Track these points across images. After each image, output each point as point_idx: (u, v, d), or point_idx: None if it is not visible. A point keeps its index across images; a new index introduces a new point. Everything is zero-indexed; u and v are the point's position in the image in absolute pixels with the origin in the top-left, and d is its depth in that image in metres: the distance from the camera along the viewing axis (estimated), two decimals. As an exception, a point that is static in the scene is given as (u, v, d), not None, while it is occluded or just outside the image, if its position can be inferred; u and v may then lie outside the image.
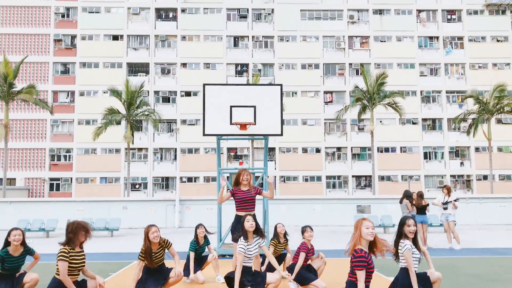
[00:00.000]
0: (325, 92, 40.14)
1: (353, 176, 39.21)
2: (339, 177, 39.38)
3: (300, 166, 38.74)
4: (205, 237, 8.48)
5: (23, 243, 6.70)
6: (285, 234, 8.17)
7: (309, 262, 7.49)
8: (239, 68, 40.41)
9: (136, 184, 38.70)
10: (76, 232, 5.68)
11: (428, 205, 13.27)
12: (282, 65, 40.11)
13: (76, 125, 39.20)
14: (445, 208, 13.10)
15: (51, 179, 39.05)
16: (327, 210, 23.59)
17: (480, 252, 12.33)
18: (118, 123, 32.56)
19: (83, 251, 5.87)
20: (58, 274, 5.61)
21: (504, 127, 38.92)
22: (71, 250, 5.63)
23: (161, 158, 39.49)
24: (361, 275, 4.75)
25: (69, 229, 5.74)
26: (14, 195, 33.47)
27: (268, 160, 38.41)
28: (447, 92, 40.16)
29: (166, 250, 6.72)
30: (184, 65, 40.09)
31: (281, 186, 38.52)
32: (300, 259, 7.12)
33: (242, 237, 6.21)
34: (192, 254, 8.17)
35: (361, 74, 31.82)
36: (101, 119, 31.42)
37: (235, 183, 7.88)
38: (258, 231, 6.40)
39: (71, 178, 38.90)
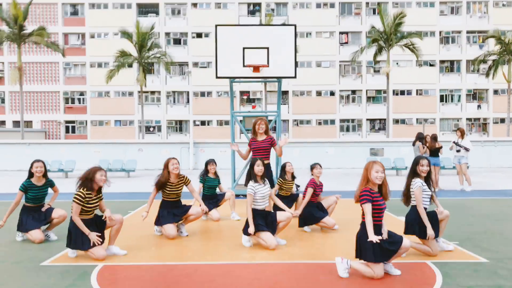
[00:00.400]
0: (341, 33, 39.00)
1: (367, 119, 38.97)
2: (353, 120, 39.19)
3: (313, 110, 38.52)
4: (216, 174, 8.64)
5: (45, 175, 7.11)
6: (293, 174, 8.23)
7: (319, 200, 7.63)
8: (251, 7, 39.20)
9: (150, 127, 39.10)
10: (93, 177, 5.82)
11: (441, 147, 13.23)
12: (296, 4, 38.77)
13: (88, 68, 39.10)
14: (458, 151, 13.06)
15: (67, 122, 39.62)
16: (340, 153, 23.68)
17: (491, 194, 12.42)
18: (130, 65, 32.33)
19: (100, 195, 6.02)
20: None
21: (525, 69, 37.71)
22: (88, 194, 5.79)
23: (174, 101, 39.53)
24: (366, 208, 4.83)
25: (86, 172, 5.87)
26: (32, 137, 34.18)
27: (282, 103, 38.22)
28: (467, 32, 38.70)
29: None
30: (195, 5, 39.01)
31: (294, 130, 38.56)
32: (307, 195, 7.27)
33: (251, 180, 6.33)
34: (200, 185, 8.41)
35: (378, 13, 30.65)
36: (113, 61, 31.20)
37: (253, 132, 8.28)
38: (267, 178, 6.56)
39: (86, 121, 39.40)
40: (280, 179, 8.07)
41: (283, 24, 15.09)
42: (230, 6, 38.83)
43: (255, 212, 6.29)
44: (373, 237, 4.72)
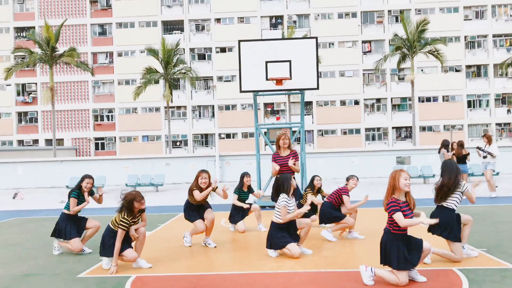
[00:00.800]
0: (363, 42, 38.96)
1: (393, 127, 38.59)
2: (378, 129, 38.87)
3: (338, 119, 38.43)
4: (249, 187, 8.84)
5: (91, 190, 7.56)
6: (320, 187, 8.41)
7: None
8: (273, 20, 39.67)
9: (176, 141, 39.78)
10: (132, 204, 6.08)
11: (468, 154, 13.09)
12: (318, 15, 39.01)
13: (116, 85, 40.23)
14: (485, 157, 12.89)
15: (96, 139, 40.73)
16: (365, 162, 23.55)
17: (523, 201, 12.17)
18: (157, 82, 33.12)
19: (139, 215, 6.33)
20: (114, 226, 6.13)
21: (556, 71, 36.74)
22: (132, 219, 6.14)
23: (200, 115, 40.16)
24: (398, 217, 4.86)
25: (125, 202, 6.12)
26: (63, 155, 35.30)
27: (305, 114, 38.30)
28: (494, 36, 38.03)
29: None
30: (218, 20, 39.76)
31: (319, 140, 38.52)
32: (346, 202, 7.42)
33: (284, 192, 6.48)
34: (235, 196, 8.66)
35: (400, 21, 30.55)
36: (140, 78, 32.07)
37: (277, 147, 8.36)
38: (296, 192, 6.87)
39: (115, 137, 40.41)
40: (309, 189, 8.26)
41: (304, 37, 15.30)
42: (252, 20, 39.39)
43: (279, 225, 6.43)
44: (428, 220, 4.93)
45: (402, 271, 4.91)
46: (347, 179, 7.71)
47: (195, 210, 7.44)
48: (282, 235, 6.38)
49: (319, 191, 8.51)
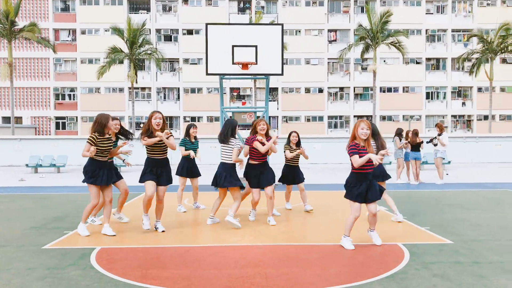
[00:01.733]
0: (329, 31, 39.59)
1: (355, 116, 39.65)
2: (341, 117, 39.83)
3: (302, 106, 39.08)
4: (195, 137, 9.03)
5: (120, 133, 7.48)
6: (298, 143, 8.60)
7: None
8: (241, 5, 39.60)
9: (140, 123, 39.37)
10: (104, 123, 6.50)
11: (422, 142, 13.84)
12: (286, 1, 39.25)
13: (79, 64, 39.21)
14: (435, 145, 13.68)
15: (57, 118, 39.71)
16: (327, 149, 24.23)
17: (467, 186, 13.06)
18: (121, 62, 32.54)
19: (110, 138, 6.69)
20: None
21: (508, 67, 38.70)
22: (99, 137, 6.49)
23: (165, 98, 39.83)
24: (354, 158, 5.61)
25: (98, 120, 6.53)
26: (22, 133, 34.28)
27: (271, 100, 38.71)
28: (453, 30, 39.54)
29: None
30: (185, 1, 39.32)
31: (283, 126, 39.10)
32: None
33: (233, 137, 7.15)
34: (182, 148, 8.79)
35: (366, 11, 31.26)
36: (104, 57, 31.41)
37: (253, 132, 7.73)
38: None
39: (76, 117, 39.54)
40: (286, 146, 8.57)
41: (271, 24, 15.55)
42: (220, 3, 39.19)
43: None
44: (374, 157, 5.49)
45: (354, 202, 5.76)
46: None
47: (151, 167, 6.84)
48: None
49: (298, 146, 8.69)
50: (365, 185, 5.74)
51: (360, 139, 5.70)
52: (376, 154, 6.02)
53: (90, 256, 5.56)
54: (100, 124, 6.52)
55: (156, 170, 6.80)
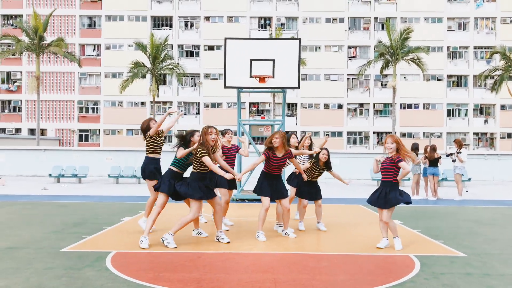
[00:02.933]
0: (349, 47, 39.72)
1: (374, 132, 39.42)
2: (360, 133, 39.65)
3: (321, 122, 39.09)
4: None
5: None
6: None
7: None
8: (262, 21, 40.17)
9: (161, 137, 39.94)
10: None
11: (440, 157, 13.72)
12: (306, 18, 39.65)
13: (102, 78, 40.24)
14: (454, 161, 13.55)
15: (80, 130, 40.66)
16: (345, 164, 24.13)
17: (485, 203, 12.86)
18: (143, 76, 33.29)
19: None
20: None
21: (532, 85, 37.99)
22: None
23: (185, 112, 40.42)
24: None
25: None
26: (46, 145, 35.16)
27: (290, 115, 38.88)
28: (475, 47, 39.19)
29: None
30: (207, 18, 40.10)
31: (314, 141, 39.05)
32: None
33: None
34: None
35: (386, 28, 31.33)
36: (127, 72, 32.20)
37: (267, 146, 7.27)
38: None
39: (99, 130, 40.40)
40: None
41: (289, 38, 15.79)
42: (241, 20, 39.84)
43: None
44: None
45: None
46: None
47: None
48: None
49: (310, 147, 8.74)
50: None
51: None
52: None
53: (106, 259, 5.74)
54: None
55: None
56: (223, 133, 8.37)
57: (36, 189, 16.57)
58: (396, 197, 6.31)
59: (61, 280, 4.84)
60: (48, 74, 40.16)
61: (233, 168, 7.90)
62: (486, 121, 39.11)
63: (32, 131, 39.24)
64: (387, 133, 38.77)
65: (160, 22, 40.59)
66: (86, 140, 40.71)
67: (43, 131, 39.76)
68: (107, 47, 40.29)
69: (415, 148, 13.72)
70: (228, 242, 6.68)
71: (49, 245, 6.58)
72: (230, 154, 8.26)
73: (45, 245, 6.58)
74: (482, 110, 39.51)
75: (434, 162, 13.67)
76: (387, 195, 6.27)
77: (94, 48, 40.72)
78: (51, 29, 39.07)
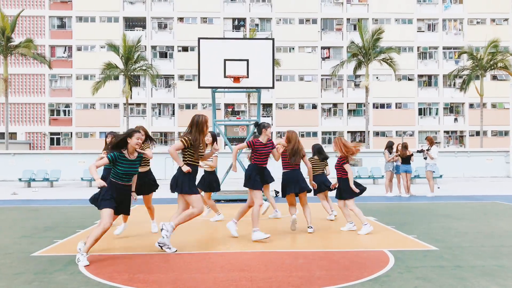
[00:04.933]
0: (322, 48, 40.13)
1: (348, 131, 39.92)
2: (334, 132, 40.09)
3: (296, 122, 39.30)
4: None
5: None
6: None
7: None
8: (236, 22, 40.15)
9: (135, 139, 39.40)
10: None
11: (412, 155, 13.99)
12: (280, 19, 39.84)
13: (74, 80, 39.42)
14: (425, 158, 13.85)
15: (52, 134, 39.71)
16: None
17: (458, 199, 13.19)
18: (116, 78, 32.80)
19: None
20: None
21: (499, 84, 39.27)
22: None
23: (160, 113, 40.01)
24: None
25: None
26: (16, 149, 34.18)
27: (265, 116, 38.98)
28: (444, 48, 40.20)
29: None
30: (181, 19, 39.81)
31: (277, 141, 39.20)
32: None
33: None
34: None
35: (358, 29, 31.80)
36: (99, 74, 31.65)
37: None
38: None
39: (71, 133, 39.56)
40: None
41: (262, 38, 15.85)
42: (215, 21, 39.72)
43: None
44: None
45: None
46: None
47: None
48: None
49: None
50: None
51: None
52: None
53: (78, 263, 5.60)
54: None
55: None
56: (264, 126, 7.31)
57: (5, 194, 16.09)
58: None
59: (32, 285, 4.70)
60: (17, 76, 39.07)
61: (261, 165, 7.18)
62: (456, 119, 40.17)
63: (0, 135, 38.09)
64: (361, 132, 39.37)
65: (133, 23, 40.07)
66: (58, 143, 39.79)
67: (13, 135, 38.64)
68: (79, 49, 39.50)
69: (389, 146, 13.96)
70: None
71: (18, 250, 6.38)
72: (265, 152, 7.30)
73: (14, 250, 6.38)
74: (452, 108, 40.55)
75: (406, 159, 13.93)
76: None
77: (65, 50, 39.85)
78: (20, 30, 38.05)
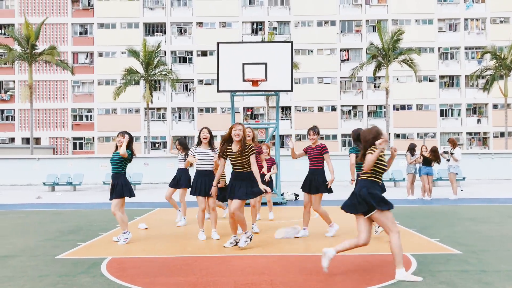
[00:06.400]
0: (341, 50, 39.87)
1: (368, 134, 39.46)
2: (354, 135, 39.67)
3: (315, 125, 39.04)
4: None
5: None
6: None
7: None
8: (254, 26, 40.26)
9: (155, 143, 39.86)
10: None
11: (438, 160, 13.70)
12: (298, 22, 39.79)
13: (96, 86, 40.12)
14: (448, 160, 13.59)
15: (74, 138, 40.46)
16: (341, 166, 24.16)
17: (482, 201, 12.91)
18: (137, 83, 33.20)
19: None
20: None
21: (524, 83, 38.28)
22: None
23: (179, 118, 40.36)
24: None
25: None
26: (40, 154, 34.94)
27: (284, 119, 38.92)
28: (465, 48, 39.46)
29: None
30: (200, 24, 40.14)
31: (297, 144, 39.12)
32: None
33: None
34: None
35: (377, 30, 31.51)
36: (120, 79, 32.14)
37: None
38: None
39: (93, 137, 40.24)
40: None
41: (280, 41, 15.85)
42: (234, 25, 39.90)
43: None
44: None
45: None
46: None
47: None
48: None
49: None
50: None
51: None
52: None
53: (101, 265, 5.69)
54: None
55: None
56: (315, 131, 7.60)
57: (30, 198, 16.46)
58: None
59: (56, 287, 4.79)
60: (41, 83, 39.99)
61: (318, 170, 7.37)
62: (479, 120, 39.34)
63: (25, 140, 39.00)
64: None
65: (153, 28, 40.58)
66: (81, 148, 40.50)
67: (37, 140, 39.52)
68: (100, 55, 40.20)
69: (411, 148, 13.75)
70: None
71: (43, 253, 6.52)
72: (315, 154, 7.52)
73: (39, 253, 6.52)
74: (475, 109, 39.74)
75: (428, 161, 13.69)
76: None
77: (87, 56, 40.61)
78: (43, 37, 38.93)
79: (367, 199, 4.82)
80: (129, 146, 7.30)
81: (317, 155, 7.39)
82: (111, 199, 7.24)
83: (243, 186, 6.37)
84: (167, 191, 9.31)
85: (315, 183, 7.31)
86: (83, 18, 40.34)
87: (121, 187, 7.17)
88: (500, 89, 30.20)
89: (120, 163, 7.28)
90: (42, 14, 39.58)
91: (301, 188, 7.61)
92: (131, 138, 7.28)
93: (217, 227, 7.61)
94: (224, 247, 6.61)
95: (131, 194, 7.28)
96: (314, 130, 7.53)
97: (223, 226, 8.24)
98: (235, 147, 6.41)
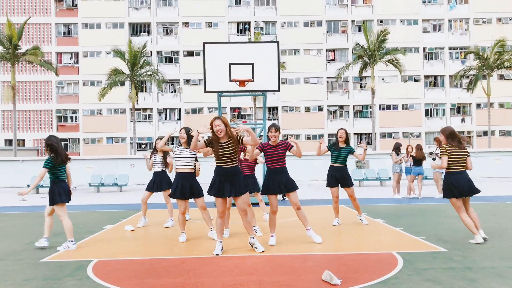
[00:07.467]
0: (328, 50, 40.07)
1: (354, 133, 39.78)
2: (341, 134, 39.90)
3: (302, 125, 39.28)
4: None
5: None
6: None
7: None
8: (241, 26, 40.24)
9: (142, 144, 39.57)
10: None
11: (424, 157, 13.88)
12: (284, 22, 39.87)
13: (81, 86, 39.67)
14: (434, 159, 13.73)
15: (59, 140, 39.91)
16: (327, 166, 24.29)
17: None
18: (122, 83, 32.90)
19: None
20: None
21: (506, 83, 38.99)
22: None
23: (166, 118, 40.13)
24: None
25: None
26: (24, 156, 34.43)
27: (271, 119, 38.97)
28: (449, 48, 39.99)
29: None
30: (186, 24, 39.97)
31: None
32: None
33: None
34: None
35: (363, 31, 31.75)
36: (106, 79, 31.82)
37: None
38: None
39: (78, 139, 39.79)
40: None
41: (267, 41, 15.86)
42: (220, 25, 39.82)
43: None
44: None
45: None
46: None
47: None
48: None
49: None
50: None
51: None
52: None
53: (87, 268, 5.63)
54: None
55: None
56: (277, 128, 7.13)
57: (14, 200, 16.20)
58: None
59: (41, 290, 4.73)
60: (24, 84, 39.40)
61: (284, 168, 7.05)
62: (463, 120, 39.91)
63: (9, 142, 38.38)
64: (368, 134, 39.21)
65: (138, 28, 40.28)
66: (66, 149, 40.00)
67: (21, 142, 38.93)
68: (85, 55, 39.77)
69: (396, 147, 13.89)
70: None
71: (28, 256, 6.43)
72: (281, 153, 7.07)
73: (24, 256, 6.43)
74: (459, 109, 40.30)
75: (418, 161, 13.81)
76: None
77: (71, 56, 40.14)
78: (26, 37, 38.38)
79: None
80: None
81: (282, 153, 7.11)
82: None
83: (236, 182, 6.26)
84: (144, 194, 9.26)
85: (286, 181, 6.97)
86: (67, 18, 39.86)
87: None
88: (483, 89, 30.67)
89: None
90: (25, 14, 39.01)
91: (264, 193, 7.09)
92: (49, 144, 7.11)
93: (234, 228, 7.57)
94: (217, 255, 6.22)
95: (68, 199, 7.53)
96: (276, 127, 6.96)
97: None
98: (223, 140, 6.29)
